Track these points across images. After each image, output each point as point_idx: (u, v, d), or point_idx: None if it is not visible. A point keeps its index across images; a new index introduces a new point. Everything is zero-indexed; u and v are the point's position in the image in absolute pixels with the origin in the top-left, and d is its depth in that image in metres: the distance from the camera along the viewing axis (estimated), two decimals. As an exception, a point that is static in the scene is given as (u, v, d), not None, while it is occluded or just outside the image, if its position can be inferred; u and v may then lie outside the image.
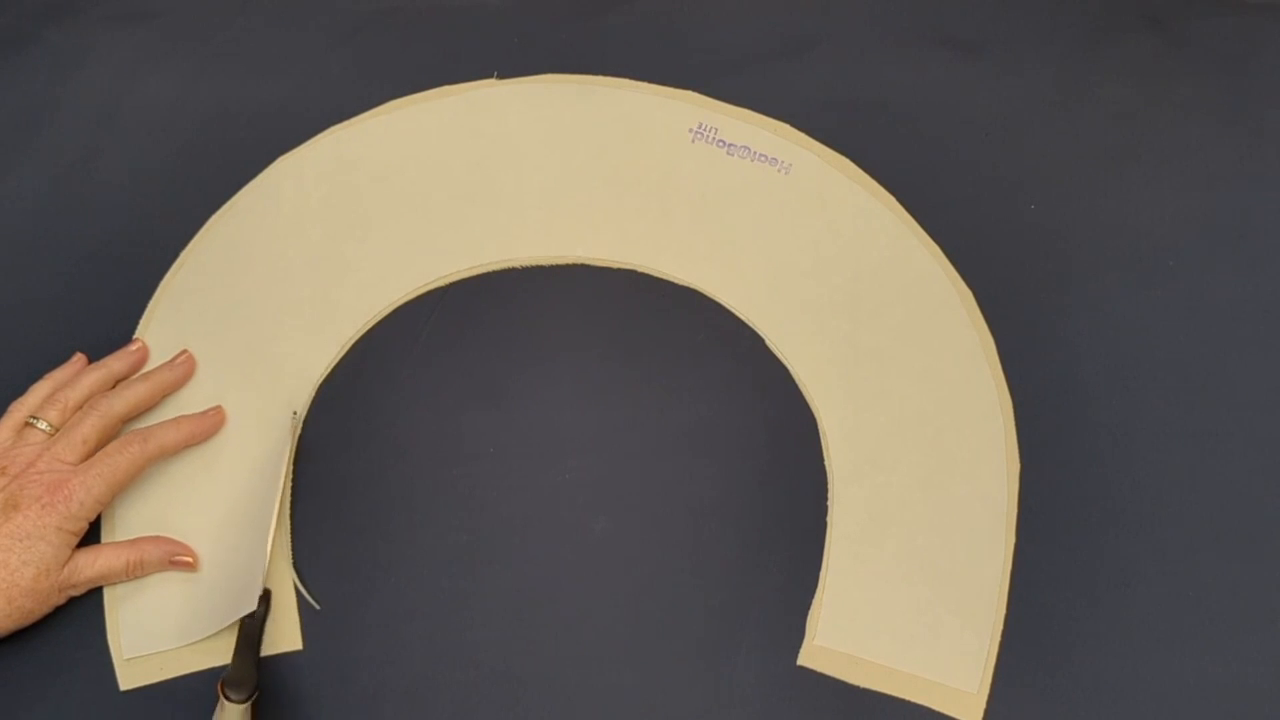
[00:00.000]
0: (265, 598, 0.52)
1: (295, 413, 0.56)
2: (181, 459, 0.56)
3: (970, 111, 0.64)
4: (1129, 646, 0.52)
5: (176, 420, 0.56)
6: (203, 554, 0.54)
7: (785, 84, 0.64)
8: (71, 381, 0.56)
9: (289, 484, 0.55)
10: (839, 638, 0.52)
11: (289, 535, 0.55)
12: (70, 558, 0.52)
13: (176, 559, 0.54)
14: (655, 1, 0.67)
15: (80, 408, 0.55)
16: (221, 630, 0.52)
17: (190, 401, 0.58)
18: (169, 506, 0.55)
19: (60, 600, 0.52)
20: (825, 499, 0.55)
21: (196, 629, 0.52)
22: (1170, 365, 0.57)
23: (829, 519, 0.55)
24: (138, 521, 0.55)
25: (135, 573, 0.53)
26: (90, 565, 0.52)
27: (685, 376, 0.58)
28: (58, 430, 0.54)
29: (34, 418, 0.54)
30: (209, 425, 0.56)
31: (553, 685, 0.52)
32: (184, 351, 0.58)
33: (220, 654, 0.52)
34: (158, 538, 0.54)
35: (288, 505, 0.54)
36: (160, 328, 0.59)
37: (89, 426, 0.54)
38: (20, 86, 0.67)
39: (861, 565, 0.54)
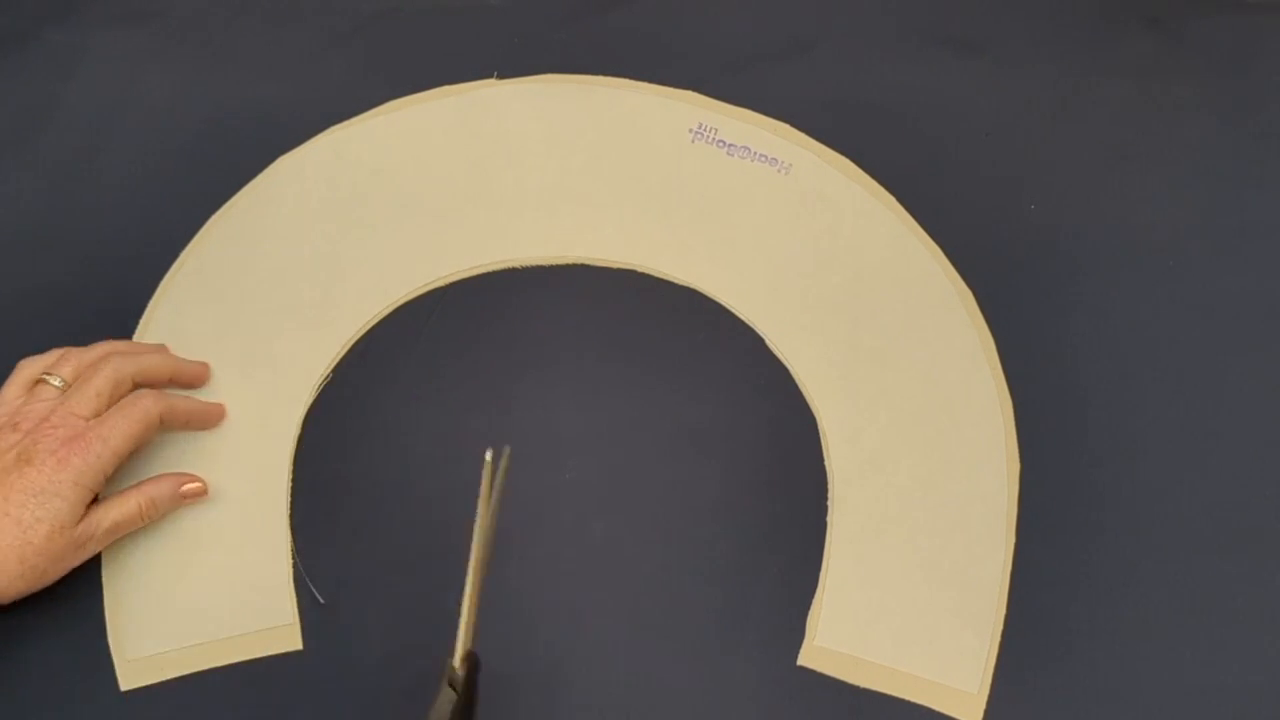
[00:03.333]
0: (471, 663, 0.45)
1: (490, 453, 0.43)
2: (182, 458, 0.56)
3: (970, 111, 0.64)
4: (1129, 646, 0.52)
5: (186, 394, 0.56)
6: (204, 556, 0.54)
7: (785, 84, 0.64)
8: (92, 348, 0.55)
9: (489, 535, 0.45)
10: (839, 638, 0.52)
11: (289, 535, 0.55)
12: (85, 514, 0.50)
13: (185, 489, 0.54)
14: (655, 1, 0.67)
15: (93, 367, 0.54)
16: (223, 631, 0.52)
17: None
18: (174, 512, 0.55)
19: (76, 560, 0.51)
20: (825, 499, 0.55)
21: (205, 630, 0.52)
22: (1170, 365, 0.57)
23: (829, 519, 0.55)
24: (142, 531, 0.55)
25: (149, 515, 0.53)
26: (105, 516, 0.51)
27: (685, 376, 0.58)
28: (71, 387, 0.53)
29: (47, 374, 0.53)
30: (213, 414, 0.56)
31: (552, 685, 0.52)
32: (205, 364, 0.58)
33: (220, 654, 0.52)
34: (162, 475, 0.54)
35: (483, 560, 0.45)
36: (160, 328, 0.59)
37: (103, 379, 0.53)
38: (20, 86, 0.67)
39: (861, 565, 0.54)
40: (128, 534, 0.54)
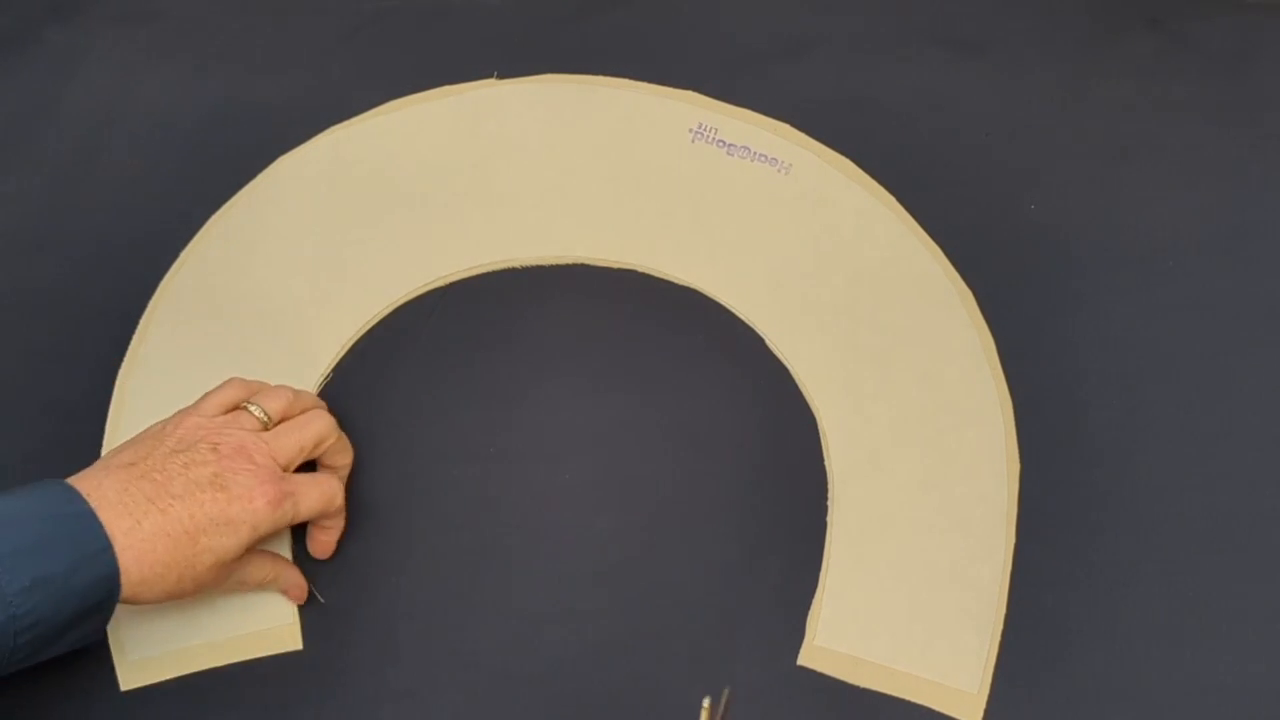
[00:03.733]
0: None
1: (708, 700, 0.42)
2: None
3: (970, 111, 0.64)
4: (1129, 646, 0.52)
5: None
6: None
7: (785, 84, 0.64)
8: (303, 395, 0.54)
9: None
10: (839, 638, 0.52)
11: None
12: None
13: (296, 589, 0.53)
14: (655, 1, 0.67)
15: (305, 418, 0.53)
16: (223, 631, 0.52)
17: (185, 403, 0.57)
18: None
19: (209, 593, 0.50)
20: (825, 499, 0.55)
21: (205, 630, 0.52)
22: (1170, 365, 0.57)
23: (829, 519, 0.55)
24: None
25: (270, 587, 0.52)
26: (246, 567, 0.50)
27: (685, 376, 0.58)
28: (274, 425, 0.51)
29: (251, 403, 0.51)
30: (331, 550, 0.54)
31: (552, 685, 0.52)
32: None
33: (220, 654, 0.52)
34: (292, 565, 0.53)
35: None
36: (160, 328, 0.59)
37: (310, 436, 0.51)
38: (20, 86, 0.67)
39: (861, 565, 0.54)
40: None
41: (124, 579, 0.45)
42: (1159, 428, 0.56)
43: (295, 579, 0.53)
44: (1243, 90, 0.64)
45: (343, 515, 0.54)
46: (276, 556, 0.53)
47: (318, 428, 0.52)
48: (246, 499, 0.48)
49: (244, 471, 0.48)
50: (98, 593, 0.45)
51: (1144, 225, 0.60)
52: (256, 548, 0.51)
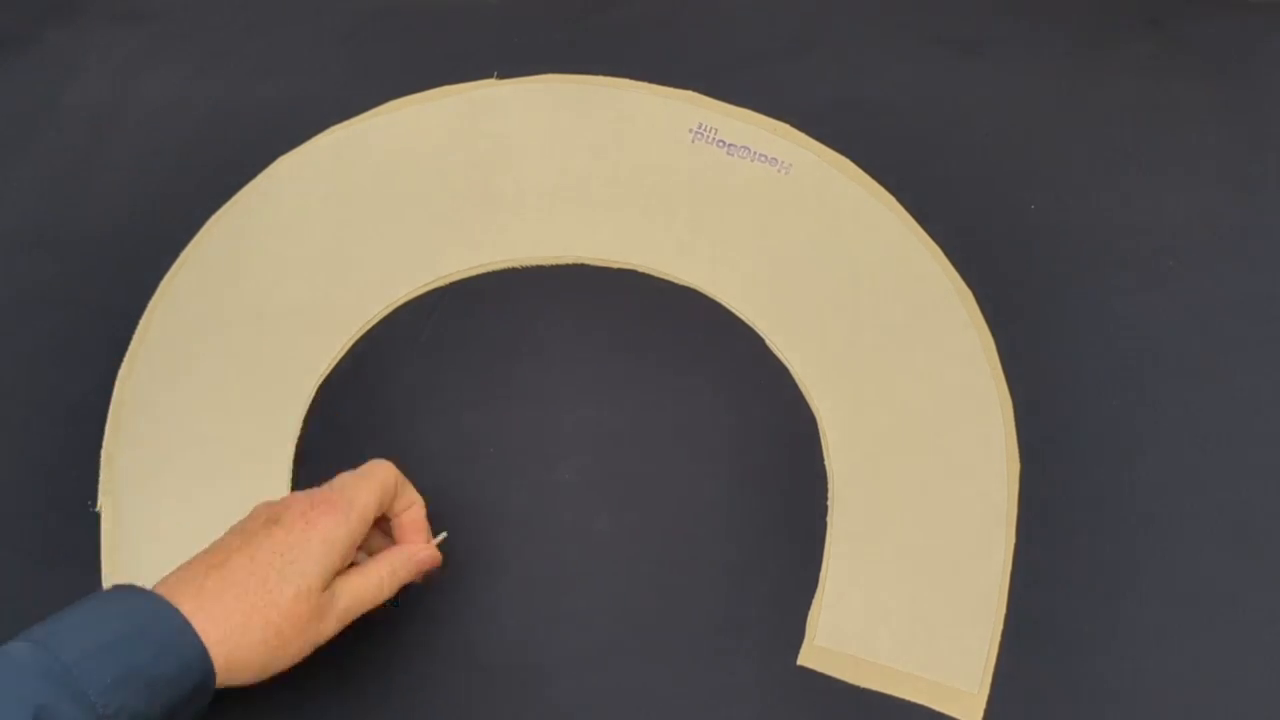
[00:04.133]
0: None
1: None
2: (184, 460, 0.56)
3: (970, 111, 0.64)
4: (1129, 646, 0.52)
5: None
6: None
7: (785, 84, 0.64)
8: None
9: None
10: (839, 638, 0.52)
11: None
12: (331, 582, 0.47)
13: (421, 558, 0.50)
14: (655, 1, 0.67)
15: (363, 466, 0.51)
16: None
17: (185, 403, 0.58)
18: (175, 512, 0.55)
19: (316, 635, 0.47)
20: (825, 499, 0.55)
21: None
22: (1171, 365, 0.57)
23: (829, 519, 0.55)
24: (143, 532, 0.55)
25: (390, 587, 0.49)
26: (346, 587, 0.48)
27: (685, 376, 0.58)
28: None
29: None
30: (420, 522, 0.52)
31: (552, 685, 0.52)
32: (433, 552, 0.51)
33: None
34: (399, 546, 0.51)
35: None
36: (160, 328, 0.59)
37: (373, 476, 0.50)
38: (20, 86, 0.67)
39: (861, 565, 0.54)
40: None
41: (208, 644, 0.44)
42: (1159, 428, 0.56)
43: (415, 557, 0.50)
44: (1243, 90, 0.64)
45: (414, 491, 0.52)
46: (377, 560, 0.50)
47: (375, 468, 0.50)
48: (303, 523, 0.47)
49: (295, 503, 0.48)
50: (191, 675, 0.44)
51: (1144, 225, 0.60)
52: (352, 568, 0.49)
